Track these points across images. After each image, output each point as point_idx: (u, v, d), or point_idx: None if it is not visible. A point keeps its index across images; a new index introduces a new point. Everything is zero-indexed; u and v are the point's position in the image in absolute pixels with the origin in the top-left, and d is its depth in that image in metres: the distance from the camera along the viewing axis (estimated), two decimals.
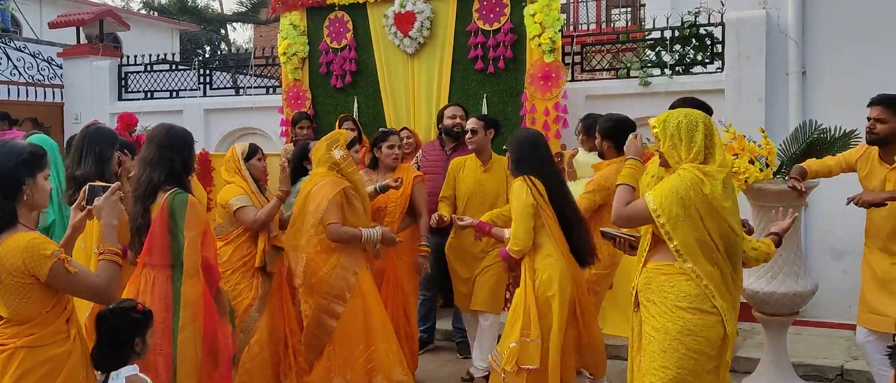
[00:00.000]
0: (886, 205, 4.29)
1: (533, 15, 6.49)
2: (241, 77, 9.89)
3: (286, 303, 4.74)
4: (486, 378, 5.15)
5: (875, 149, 4.48)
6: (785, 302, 4.88)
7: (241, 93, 9.27)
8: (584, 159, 5.33)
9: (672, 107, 4.32)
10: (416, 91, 7.16)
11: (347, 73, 7.39)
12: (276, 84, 8.73)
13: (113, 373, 2.81)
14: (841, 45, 6.39)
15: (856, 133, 4.79)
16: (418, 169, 5.69)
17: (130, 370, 2.85)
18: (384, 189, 4.92)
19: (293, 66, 7.59)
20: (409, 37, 7.01)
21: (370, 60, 7.32)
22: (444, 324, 6.21)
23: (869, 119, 4.41)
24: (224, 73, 9.76)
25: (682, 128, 3.11)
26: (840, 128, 4.85)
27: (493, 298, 5.16)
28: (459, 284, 5.28)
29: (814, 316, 6.18)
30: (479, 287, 5.15)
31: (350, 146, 4.57)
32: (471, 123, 5.25)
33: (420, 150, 6.14)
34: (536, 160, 4.32)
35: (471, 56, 6.85)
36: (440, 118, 5.97)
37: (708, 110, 4.37)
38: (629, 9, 12.94)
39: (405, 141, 6.18)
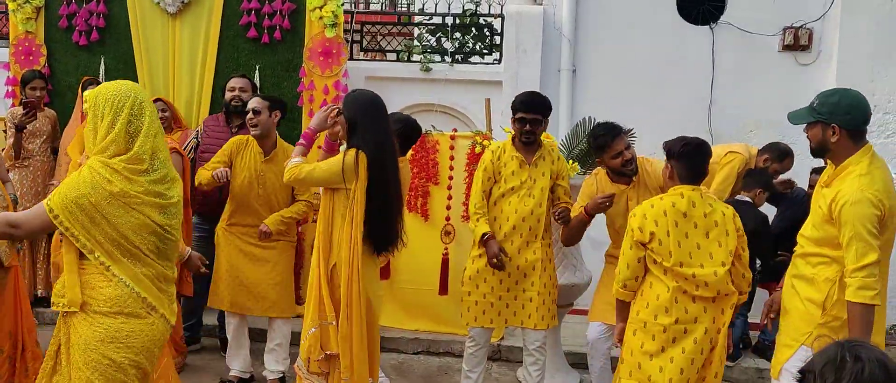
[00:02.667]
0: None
1: None
2: None
3: (21, 300, 4.11)
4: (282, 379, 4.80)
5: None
6: (563, 294, 5.00)
7: None
8: None
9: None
10: (176, 56, 6.39)
11: (94, 28, 6.44)
12: (1, 36, 7.46)
13: None
14: (607, 43, 6.74)
15: (632, 132, 4.98)
16: (197, 145, 5.06)
17: None
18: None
19: (25, 15, 6.46)
20: None
21: (123, 17, 6.43)
22: (209, 319, 5.59)
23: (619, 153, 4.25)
24: None
25: (108, 106, 2.66)
26: None
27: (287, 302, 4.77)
28: (235, 285, 4.72)
29: (575, 305, 6.46)
30: (267, 290, 4.69)
31: None
32: (253, 103, 4.63)
33: (201, 124, 5.47)
34: None
35: (243, 22, 6.25)
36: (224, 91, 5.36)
37: None
38: None
39: (159, 114, 5.46)
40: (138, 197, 2.62)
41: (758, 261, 5.22)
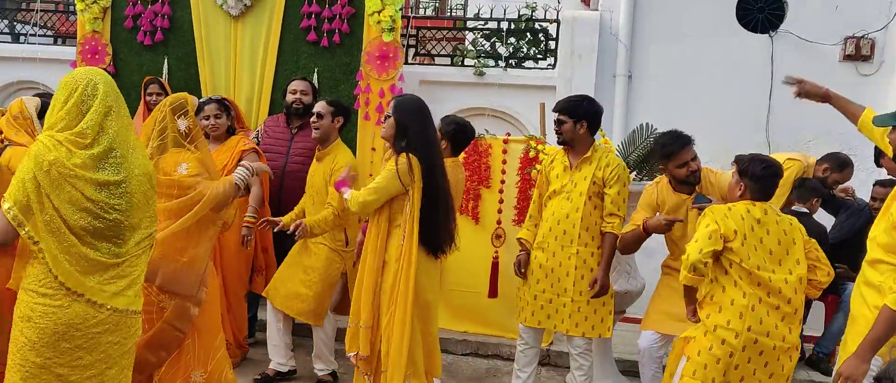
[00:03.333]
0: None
1: None
2: (22, 23, 8.62)
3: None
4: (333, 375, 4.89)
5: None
6: (616, 301, 4.98)
7: (21, 40, 8.08)
8: None
9: None
10: (238, 57, 6.53)
11: (158, 29, 6.62)
12: (69, 34, 7.71)
13: None
14: (663, 49, 6.71)
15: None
16: (258, 145, 5.19)
17: None
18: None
19: (93, 15, 6.67)
20: None
21: (186, 18, 6.61)
22: (264, 314, 5.71)
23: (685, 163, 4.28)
24: None
25: (66, 87, 2.74)
26: None
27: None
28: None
29: (627, 313, 6.42)
30: (297, 294, 4.70)
31: (197, 112, 3.94)
32: (318, 106, 4.71)
33: (261, 125, 5.61)
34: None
35: (303, 26, 6.37)
36: (285, 92, 5.50)
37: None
38: None
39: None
40: (73, 170, 2.64)
41: None
